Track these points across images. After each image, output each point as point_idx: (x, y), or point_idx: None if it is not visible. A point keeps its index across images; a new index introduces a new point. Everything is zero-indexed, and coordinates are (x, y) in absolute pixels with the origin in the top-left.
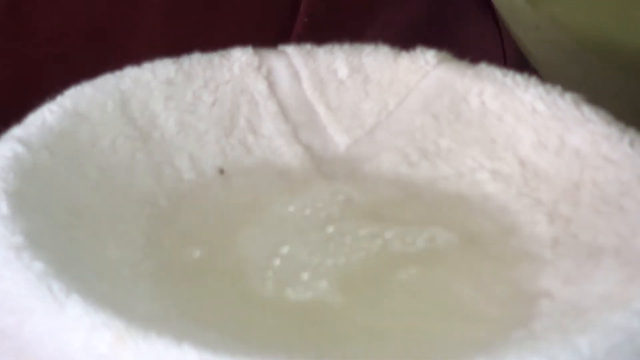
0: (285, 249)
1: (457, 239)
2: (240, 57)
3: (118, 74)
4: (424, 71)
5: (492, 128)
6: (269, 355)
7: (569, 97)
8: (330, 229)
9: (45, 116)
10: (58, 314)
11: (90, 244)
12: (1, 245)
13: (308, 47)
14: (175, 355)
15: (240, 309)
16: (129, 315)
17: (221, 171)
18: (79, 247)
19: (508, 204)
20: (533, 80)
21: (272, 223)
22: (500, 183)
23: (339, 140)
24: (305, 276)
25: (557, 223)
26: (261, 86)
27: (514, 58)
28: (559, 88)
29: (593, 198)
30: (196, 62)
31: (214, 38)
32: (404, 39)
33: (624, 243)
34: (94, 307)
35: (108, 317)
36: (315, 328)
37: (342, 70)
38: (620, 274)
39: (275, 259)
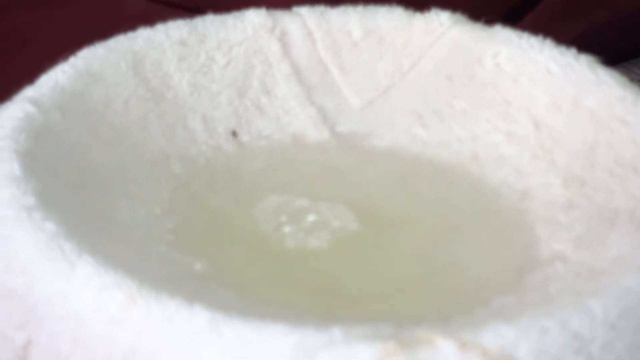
0: (299, 211)
1: (472, 203)
2: (254, 19)
3: (131, 35)
4: (438, 33)
5: (506, 90)
6: (282, 317)
7: (583, 59)
8: (344, 192)
9: (58, 77)
10: (69, 274)
11: (102, 205)
12: (13, 205)
13: (322, 8)
14: (186, 316)
15: (254, 269)
16: (140, 276)
17: (234, 133)
18: (91, 208)
19: (522, 167)
20: (548, 42)
21: (285, 186)
22: (514, 145)
23: (353, 101)
24: (319, 236)
25: (572, 185)
26: (275, 47)
27: None
28: (573, 50)
29: (607, 160)
30: (209, 24)
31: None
32: None
33: (638, 205)
34: (105, 267)
35: (119, 278)
36: (329, 286)
37: (356, 32)
38: (634, 237)
39: (289, 221)
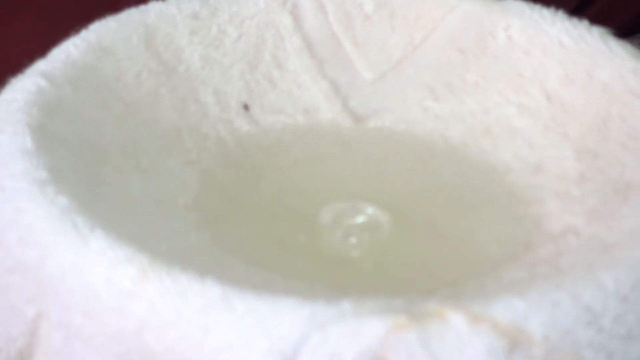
0: (312, 190)
1: (484, 179)
2: None
3: (142, 8)
4: (450, 6)
5: (518, 62)
6: (293, 291)
7: (596, 31)
8: (355, 169)
9: (70, 50)
10: (81, 248)
11: (114, 180)
12: (25, 179)
13: None
14: (198, 290)
15: (265, 245)
16: (152, 250)
17: (245, 107)
18: (103, 182)
19: (535, 139)
20: (560, 14)
21: (296, 163)
22: (526, 118)
23: (365, 75)
24: (329, 214)
25: (584, 158)
26: (286, 21)
27: None
28: (585, 22)
29: (620, 133)
30: None
31: None
32: None
33: None
34: (117, 242)
35: (132, 252)
36: (341, 261)
37: (368, 5)
38: None
39: (300, 199)
